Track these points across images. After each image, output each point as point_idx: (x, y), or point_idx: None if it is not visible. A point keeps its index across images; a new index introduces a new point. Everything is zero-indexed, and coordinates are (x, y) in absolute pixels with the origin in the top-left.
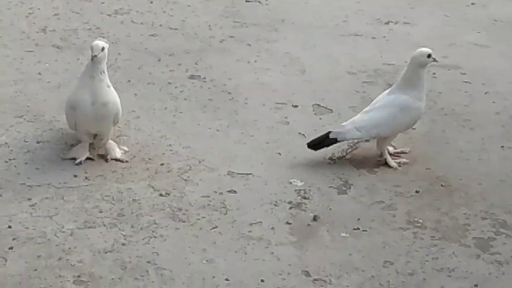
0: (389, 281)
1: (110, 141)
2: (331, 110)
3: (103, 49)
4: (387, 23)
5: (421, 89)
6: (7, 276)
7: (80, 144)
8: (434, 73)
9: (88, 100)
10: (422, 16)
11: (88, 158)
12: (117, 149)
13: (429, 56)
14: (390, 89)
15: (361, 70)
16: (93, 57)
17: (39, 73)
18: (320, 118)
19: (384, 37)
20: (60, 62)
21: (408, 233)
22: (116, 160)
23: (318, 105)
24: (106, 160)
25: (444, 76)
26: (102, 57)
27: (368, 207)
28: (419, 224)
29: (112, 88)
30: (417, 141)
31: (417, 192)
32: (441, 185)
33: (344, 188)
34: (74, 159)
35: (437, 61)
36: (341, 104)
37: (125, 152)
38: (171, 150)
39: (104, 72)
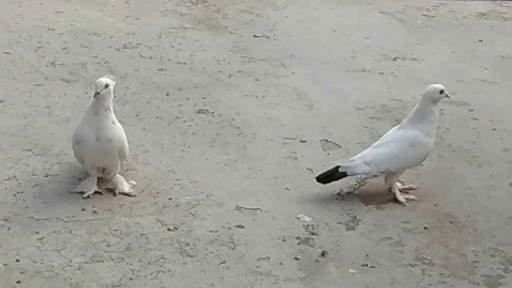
0: None
1: (118, 175)
2: (339, 145)
3: (106, 86)
4: (395, 59)
5: (432, 125)
6: None
7: (88, 178)
8: (442, 109)
9: (92, 136)
10: (429, 52)
11: (96, 192)
12: (125, 183)
13: (441, 92)
14: (400, 124)
15: (369, 105)
16: (96, 94)
17: (48, 107)
18: (328, 154)
19: (392, 73)
20: (68, 96)
21: (417, 270)
22: (124, 194)
23: (326, 140)
24: (114, 194)
25: (452, 112)
26: (106, 94)
27: (377, 243)
28: (427, 261)
29: (117, 124)
30: (425, 177)
31: (425, 228)
32: (450, 222)
33: (352, 224)
34: (83, 192)
35: (449, 97)
36: (349, 140)
37: (133, 186)
38: (179, 185)
39: (109, 109)
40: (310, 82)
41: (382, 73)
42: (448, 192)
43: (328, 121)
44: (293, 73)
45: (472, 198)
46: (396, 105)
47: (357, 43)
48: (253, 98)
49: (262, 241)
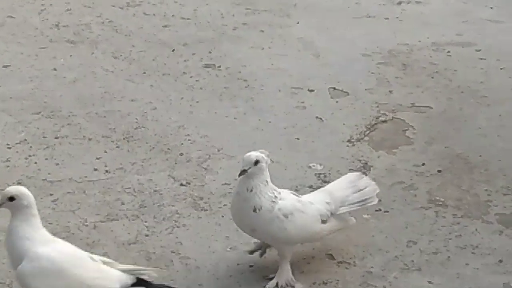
0: (413, 261)
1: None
2: (347, 92)
3: (257, 162)
4: (399, 3)
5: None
6: None
7: None
8: (449, 51)
9: None
10: None
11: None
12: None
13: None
14: None
15: (376, 51)
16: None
17: (54, 69)
18: (337, 101)
19: (397, 17)
20: (74, 57)
21: (430, 212)
22: None
23: (334, 88)
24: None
25: (459, 53)
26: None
27: (389, 188)
28: (440, 203)
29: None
30: (435, 119)
31: (439, 171)
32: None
33: (364, 170)
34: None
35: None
36: (357, 86)
37: None
38: (189, 140)
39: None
40: (315, 31)
41: (387, 18)
42: (459, 133)
43: (335, 69)
44: (298, 22)
45: (483, 138)
46: (403, 50)
47: None
48: (259, 50)
49: None
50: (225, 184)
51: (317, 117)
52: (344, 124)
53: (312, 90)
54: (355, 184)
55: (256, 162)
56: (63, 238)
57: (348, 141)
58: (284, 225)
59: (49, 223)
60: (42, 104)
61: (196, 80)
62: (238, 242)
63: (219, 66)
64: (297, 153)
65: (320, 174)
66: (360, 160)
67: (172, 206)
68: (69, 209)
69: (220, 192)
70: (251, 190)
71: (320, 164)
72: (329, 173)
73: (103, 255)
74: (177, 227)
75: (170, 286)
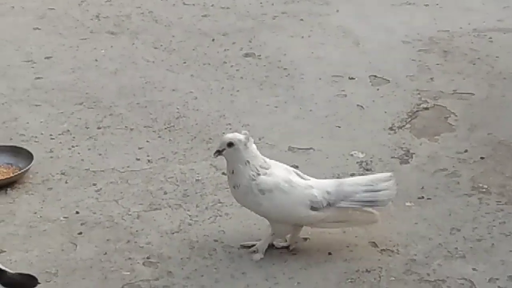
0: (456, 248)
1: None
2: (388, 80)
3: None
4: None
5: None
6: (78, 261)
7: None
8: (490, 38)
9: None
10: None
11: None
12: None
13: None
14: None
15: (416, 38)
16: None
17: (96, 60)
18: (378, 89)
19: (437, 4)
20: (115, 48)
21: (474, 199)
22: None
23: (375, 76)
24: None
25: (500, 40)
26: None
27: (432, 175)
28: (484, 190)
29: None
30: (477, 106)
31: (481, 158)
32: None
33: (406, 158)
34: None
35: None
36: (398, 74)
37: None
38: (230, 129)
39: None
40: (355, 19)
41: (427, 5)
42: (501, 120)
43: (375, 57)
44: (337, 10)
45: None
46: (443, 36)
47: None
48: (298, 38)
49: None
50: None
51: (358, 105)
52: (385, 111)
53: (352, 78)
54: (373, 184)
55: (230, 144)
56: (107, 228)
57: (390, 128)
58: (259, 200)
59: (93, 213)
60: (84, 95)
61: (237, 70)
62: None
63: (259, 55)
64: (338, 141)
65: (361, 162)
66: (402, 148)
67: (215, 195)
68: (112, 199)
69: None
70: (232, 172)
71: (362, 152)
72: (371, 161)
73: (147, 244)
74: (220, 216)
75: (27, 274)
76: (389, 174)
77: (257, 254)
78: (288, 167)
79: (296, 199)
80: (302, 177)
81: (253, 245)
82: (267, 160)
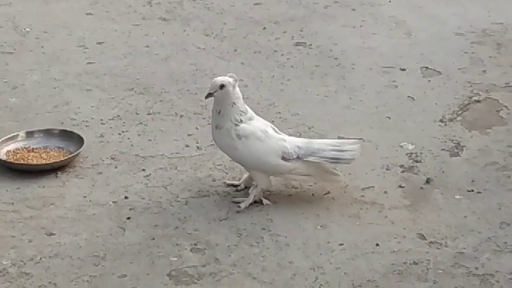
0: (506, 242)
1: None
2: (439, 72)
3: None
4: None
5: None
6: (126, 246)
7: None
8: None
9: None
10: None
11: None
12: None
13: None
14: None
15: (469, 30)
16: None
17: (147, 46)
18: (429, 81)
19: None
20: (166, 34)
21: None
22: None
23: (426, 67)
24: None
25: None
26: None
27: (482, 169)
28: None
29: None
30: None
31: None
32: None
33: (456, 150)
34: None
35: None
36: (450, 66)
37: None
38: (280, 118)
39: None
40: (407, 9)
41: None
42: None
43: (427, 48)
44: (389, 1)
45: None
46: (497, 29)
47: None
48: (350, 28)
49: (366, 171)
50: None
51: (408, 96)
52: (436, 103)
53: (403, 69)
54: (340, 145)
55: (222, 86)
56: (155, 214)
57: (440, 120)
58: (235, 144)
59: (142, 198)
60: (135, 81)
61: (287, 58)
62: (328, 220)
63: (310, 44)
64: (388, 132)
65: (411, 153)
66: (452, 140)
67: None
68: (161, 185)
69: None
70: (219, 112)
71: (412, 144)
72: (421, 153)
73: (195, 230)
74: (267, 204)
75: None
76: (357, 139)
77: (242, 204)
78: (267, 122)
79: (269, 148)
80: (278, 133)
81: (237, 185)
82: (249, 110)
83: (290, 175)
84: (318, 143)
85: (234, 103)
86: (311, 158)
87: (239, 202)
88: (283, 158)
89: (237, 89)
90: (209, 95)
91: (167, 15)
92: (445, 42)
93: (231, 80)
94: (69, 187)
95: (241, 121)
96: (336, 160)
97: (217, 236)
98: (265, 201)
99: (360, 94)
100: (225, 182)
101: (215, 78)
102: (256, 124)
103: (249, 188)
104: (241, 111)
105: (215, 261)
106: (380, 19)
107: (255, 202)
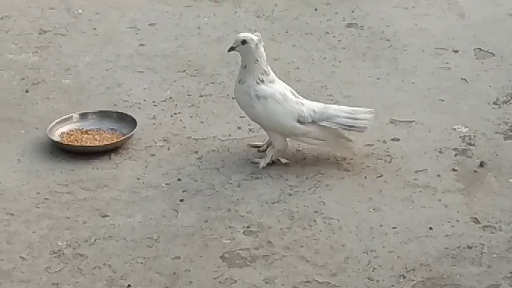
0: None
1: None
2: (493, 53)
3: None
4: None
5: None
6: (180, 227)
7: None
8: None
9: None
10: None
11: None
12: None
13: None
14: None
15: None
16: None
17: (198, 28)
18: (482, 62)
19: None
20: (218, 16)
21: None
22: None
23: (480, 49)
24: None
25: None
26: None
27: None
28: None
29: None
30: None
31: None
32: None
33: (510, 133)
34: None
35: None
36: (504, 47)
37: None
38: (332, 100)
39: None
40: None
41: None
42: None
43: (481, 29)
44: None
45: None
46: None
47: None
48: (402, 9)
49: (419, 154)
50: (368, 145)
51: (462, 78)
52: (490, 86)
53: (456, 51)
54: (354, 113)
55: (243, 41)
56: (208, 196)
57: (494, 103)
58: (253, 103)
59: (194, 180)
60: (187, 63)
61: (339, 40)
62: (382, 204)
63: (362, 26)
64: (441, 115)
65: (464, 136)
66: (506, 123)
67: (315, 166)
68: (213, 167)
69: (363, 152)
70: (245, 67)
71: (465, 127)
72: (474, 136)
73: (247, 213)
74: (320, 187)
75: None
76: (370, 109)
77: (261, 163)
78: (287, 86)
79: (285, 110)
80: (296, 97)
81: (260, 146)
82: (272, 73)
83: (305, 139)
84: (334, 109)
85: (257, 60)
86: (325, 123)
87: (258, 162)
88: (299, 121)
89: (262, 49)
90: (231, 48)
91: None
92: (499, 23)
93: (254, 38)
94: (123, 169)
95: (263, 81)
96: (349, 127)
97: (270, 218)
98: (283, 160)
99: (413, 76)
100: (248, 144)
101: (239, 34)
102: (276, 87)
103: None
104: (264, 70)
105: (268, 244)
106: (433, 0)
107: (273, 162)
